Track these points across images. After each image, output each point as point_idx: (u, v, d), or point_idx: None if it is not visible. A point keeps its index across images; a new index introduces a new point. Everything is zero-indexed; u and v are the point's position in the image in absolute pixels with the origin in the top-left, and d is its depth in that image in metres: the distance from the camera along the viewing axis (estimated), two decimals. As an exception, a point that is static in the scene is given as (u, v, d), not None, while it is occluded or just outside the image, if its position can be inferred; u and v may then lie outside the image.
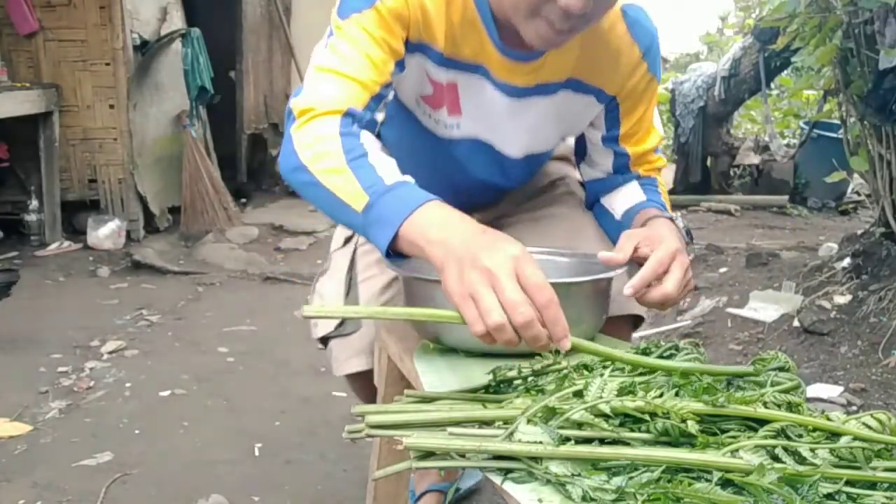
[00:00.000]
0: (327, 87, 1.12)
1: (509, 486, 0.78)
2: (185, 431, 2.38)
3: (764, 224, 5.75)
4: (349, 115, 1.10)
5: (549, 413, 0.81)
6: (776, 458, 0.74)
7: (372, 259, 1.46)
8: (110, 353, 3.03)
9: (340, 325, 1.45)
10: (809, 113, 6.80)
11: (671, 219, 1.27)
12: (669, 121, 6.69)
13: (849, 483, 0.72)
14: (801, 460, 0.74)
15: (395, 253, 1.00)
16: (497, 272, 0.85)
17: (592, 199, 1.47)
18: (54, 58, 4.71)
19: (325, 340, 1.50)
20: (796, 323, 2.85)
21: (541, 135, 1.37)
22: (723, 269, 3.76)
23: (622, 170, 1.41)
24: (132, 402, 2.59)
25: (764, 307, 3.06)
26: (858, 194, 6.24)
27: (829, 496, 0.71)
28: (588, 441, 0.79)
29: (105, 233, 4.66)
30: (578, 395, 0.84)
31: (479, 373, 1.01)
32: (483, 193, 1.47)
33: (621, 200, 1.40)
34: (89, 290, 3.93)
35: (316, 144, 1.07)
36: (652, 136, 1.40)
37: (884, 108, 3.01)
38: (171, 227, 5.14)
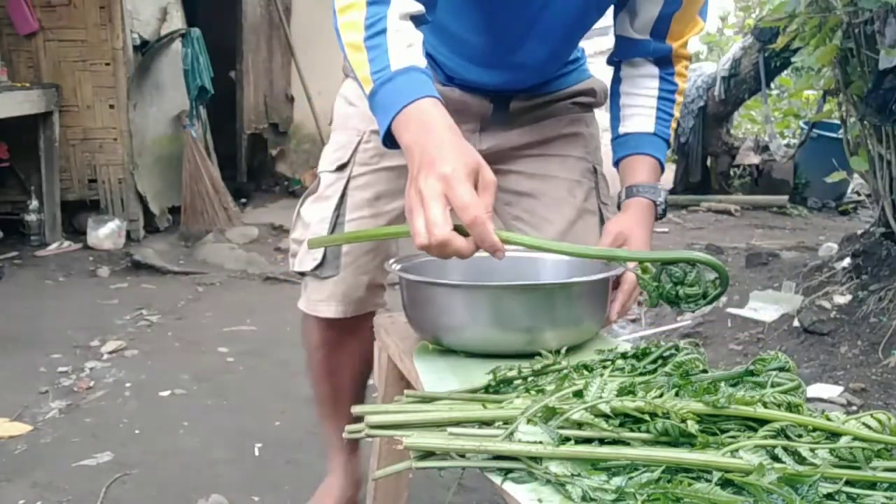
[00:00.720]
0: None
1: (509, 487, 0.78)
2: (185, 431, 2.39)
3: (764, 224, 5.75)
4: None
5: (549, 413, 0.82)
6: (776, 458, 0.74)
7: (362, 198, 1.43)
8: (110, 353, 3.03)
9: (320, 265, 1.43)
10: (809, 113, 6.80)
11: (656, 202, 1.33)
12: (669, 121, 6.68)
13: (848, 483, 0.72)
14: (800, 460, 0.74)
15: (393, 144, 1.02)
16: (425, 192, 0.90)
17: (617, 56, 1.44)
18: (54, 58, 4.71)
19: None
20: (796, 323, 2.85)
21: None
22: (723, 269, 3.76)
23: (660, 33, 1.37)
24: (132, 402, 2.59)
25: (764, 307, 3.06)
26: (858, 194, 6.24)
27: (829, 496, 0.71)
28: (588, 441, 0.79)
29: (105, 233, 4.66)
30: (578, 395, 0.84)
31: (478, 373, 1.01)
32: (527, 54, 1.37)
33: (630, 115, 1.41)
34: (89, 290, 3.93)
35: (348, 12, 1.07)
36: (699, 6, 1.38)
37: (884, 108, 3.01)
38: (171, 227, 5.14)
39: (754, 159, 6.65)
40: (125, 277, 4.17)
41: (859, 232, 3.52)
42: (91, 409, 2.52)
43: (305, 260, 1.44)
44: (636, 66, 1.43)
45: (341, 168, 1.44)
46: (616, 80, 1.47)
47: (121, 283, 4.06)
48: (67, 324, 3.35)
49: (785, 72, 6.56)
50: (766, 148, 6.61)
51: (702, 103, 6.43)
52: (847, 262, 3.18)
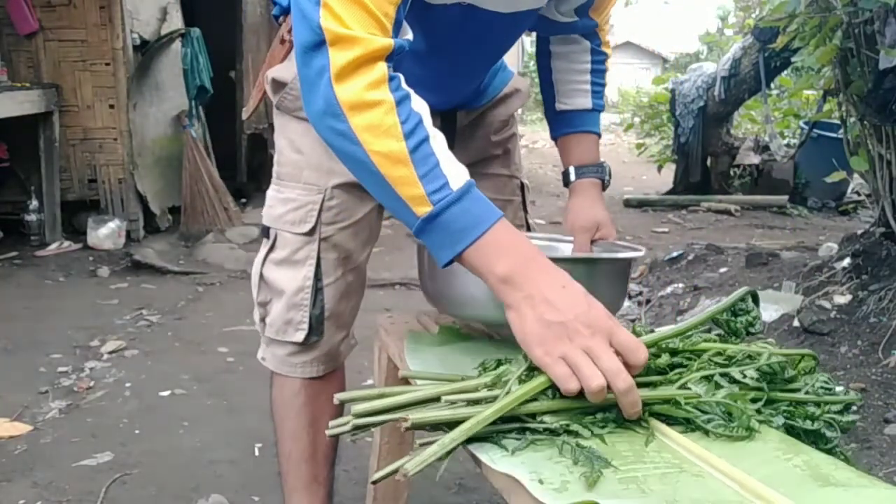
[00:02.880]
0: (356, 11, 0.93)
1: (510, 468, 0.80)
2: (185, 431, 2.38)
3: (764, 224, 5.75)
4: (393, 54, 0.94)
5: (532, 372, 0.89)
6: (717, 385, 0.92)
7: (334, 258, 1.34)
8: (110, 353, 3.03)
9: (309, 332, 1.35)
10: (809, 113, 6.80)
11: (603, 179, 1.43)
12: (669, 121, 6.69)
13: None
14: (733, 382, 0.92)
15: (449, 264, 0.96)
16: (595, 348, 0.85)
17: (543, 34, 1.46)
18: (54, 58, 4.71)
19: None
20: (796, 323, 2.85)
21: None
22: (723, 269, 3.76)
23: (585, 12, 1.39)
24: (132, 402, 2.59)
25: (764, 307, 3.05)
26: (858, 194, 6.24)
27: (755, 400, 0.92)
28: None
29: (105, 233, 4.66)
30: None
31: (468, 367, 1.02)
32: (465, 77, 1.37)
33: (565, 90, 1.46)
34: (89, 290, 3.93)
35: (368, 111, 0.91)
36: None
37: (884, 108, 3.01)
38: (171, 227, 5.14)
39: (754, 159, 6.65)
40: (125, 277, 4.17)
41: (859, 232, 3.52)
42: (91, 409, 2.52)
43: (286, 330, 1.35)
44: (566, 42, 1.46)
45: (310, 232, 1.33)
46: (544, 54, 1.48)
47: (121, 283, 4.06)
48: (67, 324, 3.35)
49: (785, 72, 6.56)
50: (766, 148, 6.61)
51: (702, 103, 6.43)
52: (847, 262, 3.18)
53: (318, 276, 1.33)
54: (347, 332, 1.43)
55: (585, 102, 1.47)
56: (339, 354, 1.42)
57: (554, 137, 1.49)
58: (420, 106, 0.95)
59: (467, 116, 1.46)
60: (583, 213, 1.40)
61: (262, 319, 1.39)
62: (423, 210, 0.91)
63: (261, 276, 1.37)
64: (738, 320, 1.04)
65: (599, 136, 1.48)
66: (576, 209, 1.41)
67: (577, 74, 1.46)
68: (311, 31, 0.92)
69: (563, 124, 1.47)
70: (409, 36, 1.02)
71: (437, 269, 0.99)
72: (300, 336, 1.34)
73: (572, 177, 1.44)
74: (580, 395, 0.85)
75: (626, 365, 0.86)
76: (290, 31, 1.31)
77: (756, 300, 1.08)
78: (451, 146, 1.39)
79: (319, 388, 1.40)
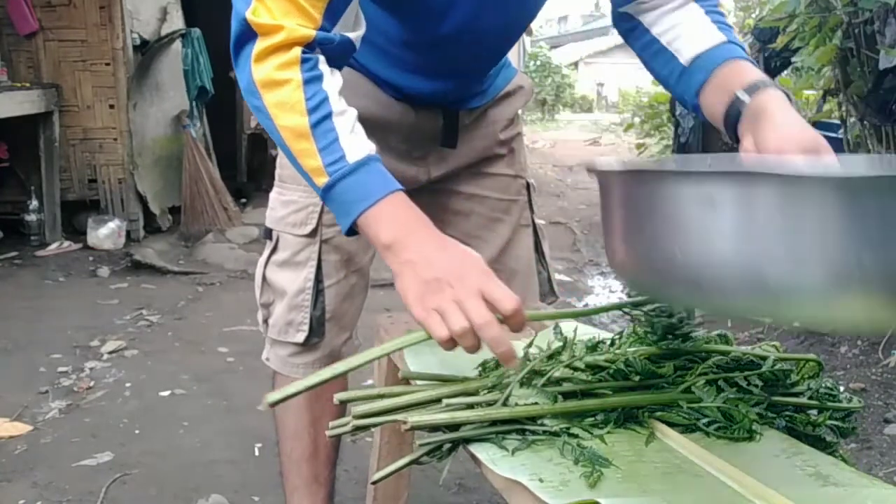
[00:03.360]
0: (284, 4, 0.98)
1: (510, 468, 0.80)
2: (185, 431, 2.38)
3: (764, 224, 5.74)
4: (313, 43, 0.99)
5: (533, 375, 0.91)
6: (720, 389, 0.91)
7: (336, 260, 1.36)
8: (110, 353, 3.03)
9: (310, 334, 1.36)
10: (809, 113, 6.79)
11: (785, 92, 0.99)
12: (669, 121, 6.69)
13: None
14: (735, 385, 0.91)
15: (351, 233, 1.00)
16: (465, 299, 0.87)
17: (630, 25, 1.18)
18: (54, 58, 4.71)
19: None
20: (796, 323, 2.85)
21: None
22: (723, 269, 3.76)
23: None
24: (132, 402, 2.59)
25: (764, 307, 3.05)
26: (858, 194, 6.24)
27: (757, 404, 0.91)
28: (573, 395, 0.90)
29: (105, 233, 4.66)
30: (553, 356, 0.94)
31: (468, 368, 1.02)
32: (486, 60, 1.31)
33: (687, 36, 1.11)
34: (89, 290, 3.93)
35: (277, 89, 0.98)
36: None
37: (884, 108, 3.01)
38: (171, 227, 5.14)
39: (754, 159, 6.65)
40: (125, 277, 4.17)
41: (859, 232, 3.52)
42: (91, 409, 2.52)
43: (288, 330, 1.37)
44: (659, 7, 1.15)
45: (311, 234, 1.35)
46: (642, 32, 1.17)
47: (121, 283, 4.06)
48: (67, 324, 3.35)
49: (785, 72, 6.55)
50: (766, 148, 6.61)
51: (702, 103, 6.43)
52: (847, 262, 3.18)
53: (318, 278, 1.34)
54: (350, 334, 1.43)
55: (716, 37, 1.09)
56: (342, 356, 1.41)
57: (694, 104, 1.09)
58: (331, 84, 0.99)
59: (470, 115, 1.42)
60: (796, 130, 0.95)
61: (265, 321, 1.40)
62: (322, 181, 0.97)
63: (263, 277, 1.38)
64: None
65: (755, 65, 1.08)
66: (782, 128, 0.94)
67: (690, 23, 1.12)
68: (238, 23, 0.99)
69: (700, 70, 1.07)
70: (361, 31, 1.06)
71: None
72: (301, 337, 1.35)
73: (746, 97, 0.98)
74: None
75: (508, 319, 0.88)
76: None
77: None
78: (454, 145, 1.39)
79: (321, 388, 1.38)
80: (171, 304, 3.71)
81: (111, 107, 4.77)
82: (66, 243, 4.66)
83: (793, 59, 4.97)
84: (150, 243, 4.80)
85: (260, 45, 0.98)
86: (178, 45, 5.06)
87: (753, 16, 6.97)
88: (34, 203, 4.71)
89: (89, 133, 4.81)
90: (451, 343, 0.87)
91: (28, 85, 4.51)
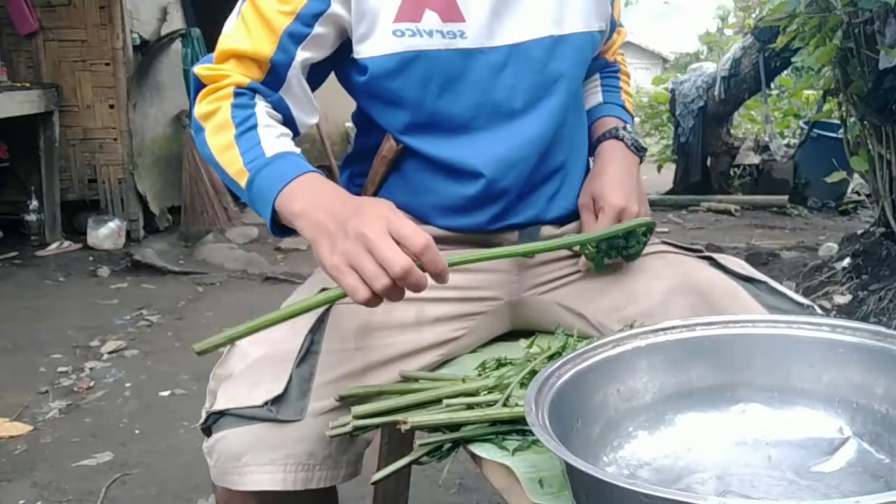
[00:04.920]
0: (230, 62, 1.07)
1: (512, 464, 0.80)
2: (185, 431, 2.38)
3: (764, 224, 5.75)
4: (247, 87, 1.05)
5: (534, 376, 0.85)
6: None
7: (348, 326, 1.02)
8: (110, 353, 3.03)
9: (279, 397, 0.92)
10: (809, 113, 6.80)
11: (617, 136, 1.18)
12: (669, 121, 6.69)
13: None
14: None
15: (280, 230, 0.99)
16: (369, 234, 0.82)
17: None
18: (54, 58, 4.71)
19: (216, 418, 0.97)
20: None
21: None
22: (723, 269, 3.76)
23: (597, 56, 1.25)
24: (132, 402, 2.59)
25: (764, 307, 3.05)
26: (858, 194, 6.24)
27: None
28: None
29: (105, 233, 4.66)
30: (553, 357, 0.92)
31: (469, 368, 1.02)
32: (537, 140, 1.11)
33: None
34: (89, 290, 3.93)
35: (213, 116, 1.04)
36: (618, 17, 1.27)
37: (884, 108, 3.01)
38: (171, 227, 5.14)
39: (754, 159, 6.64)
40: (125, 277, 4.17)
41: (859, 232, 3.52)
42: (91, 409, 2.52)
43: (251, 392, 0.93)
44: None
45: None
46: None
47: (121, 283, 4.06)
48: (67, 324, 3.35)
49: (785, 72, 6.56)
50: (766, 148, 6.61)
51: (702, 103, 6.43)
52: (847, 262, 3.18)
53: (315, 337, 1.00)
54: (345, 459, 0.98)
55: (595, 98, 1.28)
56: (329, 463, 0.94)
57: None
58: (261, 109, 1.04)
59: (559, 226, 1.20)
60: (590, 182, 1.16)
61: (214, 392, 1.00)
62: (243, 180, 0.98)
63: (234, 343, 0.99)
64: (630, 248, 1.07)
65: (626, 122, 1.24)
66: (587, 179, 1.17)
67: (586, 93, 1.29)
68: (192, 80, 1.12)
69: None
70: (310, 119, 1.12)
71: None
72: (270, 393, 0.92)
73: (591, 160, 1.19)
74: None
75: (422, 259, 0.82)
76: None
77: (650, 232, 1.09)
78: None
79: None
80: (171, 304, 3.71)
81: (111, 107, 4.77)
82: (66, 243, 4.66)
83: (793, 59, 4.98)
84: (150, 243, 4.80)
85: (204, 90, 1.08)
86: (178, 45, 5.06)
87: (753, 16, 6.97)
88: (34, 203, 4.71)
89: (89, 133, 4.81)
90: (373, 301, 0.83)
91: (28, 85, 4.51)
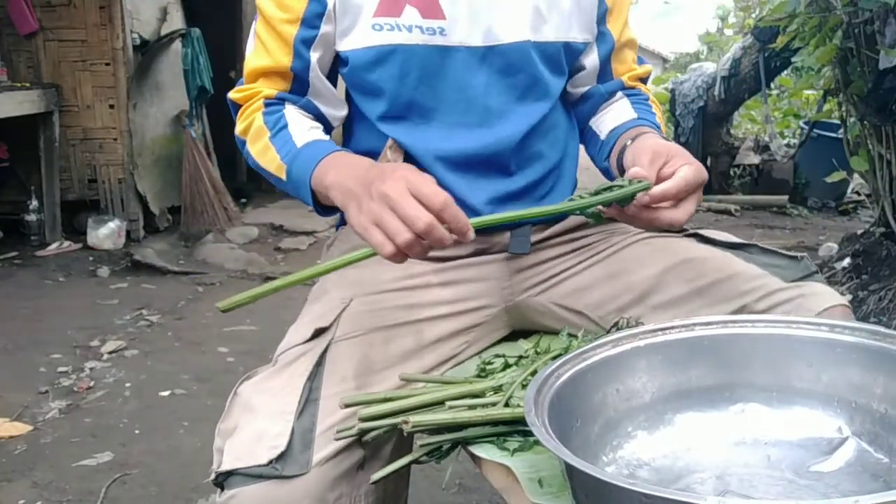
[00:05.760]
0: (259, 81, 1.16)
1: (511, 464, 0.80)
2: (185, 431, 2.38)
3: (764, 224, 5.75)
4: (276, 97, 1.14)
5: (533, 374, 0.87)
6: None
7: (347, 368, 1.00)
8: (110, 353, 3.03)
9: (283, 454, 0.88)
10: (809, 113, 6.80)
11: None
12: (669, 121, 6.69)
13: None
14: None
15: (324, 210, 1.06)
16: (391, 194, 0.86)
17: (581, 126, 1.29)
18: (54, 58, 4.71)
19: (226, 476, 0.90)
20: None
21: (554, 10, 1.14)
22: (723, 269, 3.76)
23: (606, 74, 1.25)
24: (132, 402, 2.59)
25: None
26: (858, 194, 6.24)
27: None
28: None
29: (105, 233, 4.66)
30: (556, 358, 0.89)
31: (471, 369, 1.02)
32: (526, 145, 1.15)
33: (609, 120, 1.23)
34: (89, 290, 3.93)
35: (251, 128, 1.14)
36: (631, 29, 1.27)
37: (884, 108, 3.01)
38: (171, 227, 5.14)
39: (754, 159, 6.64)
40: (125, 277, 4.17)
41: (859, 232, 3.52)
42: (91, 409, 2.52)
43: (254, 450, 0.89)
44: (600, 109, 1.28)
45: (318, 334, 1.03)
46: (584, 128, 1.29)
47: (121, 283, 4.06)
48: (67, 324, 3.35)
49: (785, 72, 6.56)
50: (766, 148, 6.61)
51: (702, 103, 6.43)
52: (847, 262, 3.18)
53: (314, 384, 0.97)
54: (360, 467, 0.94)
55: (629, 115, 1.22)
56: (351, 498, 0.93)
57: (604, 167, 1.20)
58: (291, 112, 1.13)
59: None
60: (651, 142, 1.05)
61: (221, 449, 0.94)
62: (283, 172, 1.07)
63: (235, 393, 0.99)
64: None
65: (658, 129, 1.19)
66: (641, 141, 1.08)
67: (615, 110, 1.25)
68: (230, 107, 1.20)
69: (610, 139, 1.19)
70: (340, 112, 1.19)
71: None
72: (272, 453, 0.89)
73: (630, 142, 1.11)
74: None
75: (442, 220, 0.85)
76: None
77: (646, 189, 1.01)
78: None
79: None
80: (171, 304, 3.71)
81: (111, 107, 4.76)
82: (66, 243, 4.66)
83: (793, 59, 4.97)
84: (150, 243, 4.80)
85: (241, 110, 1.17)
86: (178, 45, 5.06)
87: (753, 16, 6.97)
88: (34, 203, 4.71)
89: (89, 133, 4.81)
90: (398, 256, 0.87)
91: (28, 85, 4.50)
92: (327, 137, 1.11)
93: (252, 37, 1.17)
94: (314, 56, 1.12)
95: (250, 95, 1.15)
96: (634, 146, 1.06)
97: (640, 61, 1.32)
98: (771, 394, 0.83)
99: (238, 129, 1.16)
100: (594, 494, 0.64)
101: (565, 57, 1.17)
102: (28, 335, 3.21)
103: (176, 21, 5.20)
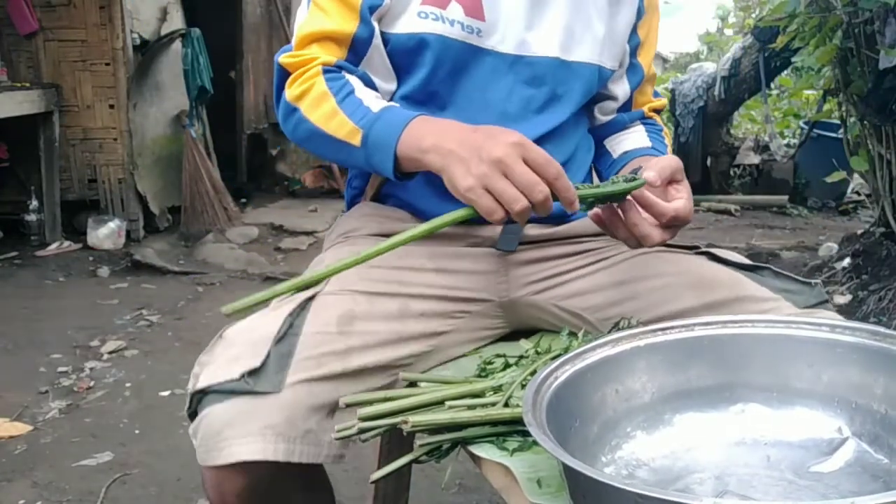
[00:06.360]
0: (312, 47, 1.12)
1: (510, 464, 0.80)
2: (185, 431, 2.37)
3: (764, 224, 5.75)
4: (334, 65, 1.10)
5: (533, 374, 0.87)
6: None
7: (330, 314, 1.01)
8: (110, 353, 3.03)
9: (258, 369, 0.92)
10: (809, 113, 6.80)
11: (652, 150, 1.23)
12: (670, 120, 6.69)
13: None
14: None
15: (403, 176, 1.02)
16: (506, 160, 0.87)
17: (596, 143, 1.32)
18: (54, 58, 4.71)
19: (199, 399, 0.96)
20: None
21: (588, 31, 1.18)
22: (723, 269, 3.76)
23: (629, 104, 1.31)
24: (132, 402, 2.59)
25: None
26: (858, 194, 6.24)
27: None
28: None
29: (105, 233, 4.66)
30: (556, 358, 0.89)
31: (472, 369, 1.02)
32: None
33: (625, 143, 1.28)
34: (89, 290, 3.93)
35: (307, 94, 1.08)
36: (653, 60, 1.33)
37: (884, 108, 3.01)
38: (171, 227, 5.14)
39: (754, 159, 6.64)
40: (125, 277, 4.17)
41: (859, 232, 3.52)
42: (91, 409, 2.52)
43: (231, 367, 0.93)
44: (616, 133, 1.33)
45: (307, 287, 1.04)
46: (600, 148, 1.32)
47: (121, 283, 4.06)
48: (67, 324, 3.35)
49: (785, 72, 6.56)
50: (766, 148, 6.61)
51: (702, 103, 6.43)
52: (847, 262, 3.18)
53: (295, 322, 1.01)
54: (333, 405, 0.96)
55: (644, 143, 1.26)
56: (310, 438, 0.92)
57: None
58: (353, 79, 1.09)
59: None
60: (664, 159, 1.09)
61: (198, 374, 1.01)
62: (357, 137, 1.01)
63: (220, 335, 1.07)
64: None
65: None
66: (654, 160, 1.10)
67: (631, 135, 1.30)
68: (276, 71, 1.13)
69: (622, 160, 1.24)
70: (390, 85, 1.15)
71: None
72: (247, 366, 0.93)
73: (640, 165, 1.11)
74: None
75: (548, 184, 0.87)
76: None
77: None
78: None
79: (272, 493, 0.96)
80: (171, 304, 3.71)
81: (111, 107, 4.76)
82: (66, 243, 4.66)
83: (793, 59, 4.98)
84: (150, 243, 4.80)
85: (292, 77, 1.10)
86: (178, 45, 5.06)
87: (753, 16, 6.97)
88: (34, 203, 4.71)
89: (89, 133, 4.81)
90: (502, 214, 0.87)
91: (28, 85, 4.50)
92: (397, 104, 1.07)
93: (305, 5, 1.14)
94: (377, 26, 1.11)
95: (306, 61, 1.10)
96: (650, 160, 1.10)
97: (656, 94, 1.38)
98: (771, 394, 0.83)
99: (290, 94, 1.10)
100: (591, 495, 0.64)
101: (592, 79, 1.20)
102: (28, 335, 3.21)
103: (176, 21, 5.20)
